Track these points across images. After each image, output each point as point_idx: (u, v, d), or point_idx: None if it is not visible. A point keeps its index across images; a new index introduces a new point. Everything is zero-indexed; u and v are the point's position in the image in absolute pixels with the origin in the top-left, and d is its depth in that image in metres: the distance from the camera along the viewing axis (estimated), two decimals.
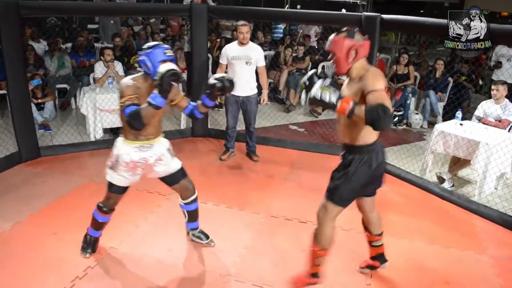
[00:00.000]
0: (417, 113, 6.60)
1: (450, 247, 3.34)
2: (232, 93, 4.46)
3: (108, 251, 3.05)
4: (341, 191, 2.49)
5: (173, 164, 2.90)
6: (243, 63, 4.42)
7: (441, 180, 4.43)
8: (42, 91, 5.72)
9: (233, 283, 2.81)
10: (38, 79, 5.56)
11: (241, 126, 4.85)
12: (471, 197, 4.17)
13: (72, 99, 6.50)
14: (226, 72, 4.45)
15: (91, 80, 6.00)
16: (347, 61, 2.36)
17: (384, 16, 4.42)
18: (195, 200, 3.04)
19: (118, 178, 2.76)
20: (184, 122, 5.86)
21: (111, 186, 2.81)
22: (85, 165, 4.53)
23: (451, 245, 3.37)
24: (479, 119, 4.69)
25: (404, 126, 6.51)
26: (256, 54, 4.49)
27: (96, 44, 7.84)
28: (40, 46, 6.90)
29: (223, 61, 4.53)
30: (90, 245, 3.01)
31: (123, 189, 2.83)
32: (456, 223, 3.73)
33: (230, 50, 4.49)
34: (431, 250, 3.30)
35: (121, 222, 3.40)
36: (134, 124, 2.52)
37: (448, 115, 5.80)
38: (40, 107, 5.67)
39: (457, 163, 4.47)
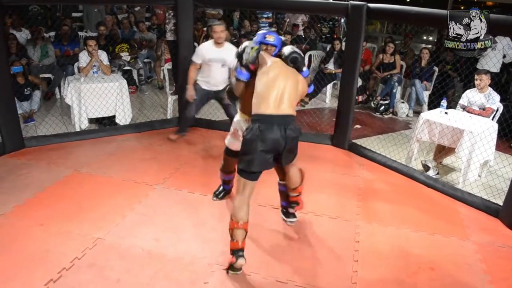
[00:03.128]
0: (403, 102, 6.65)
1: (435, 234, 3.40)
2: (206, 88, 4.55)
3: (95, 241, 3.03)
4: (239, 161, 2.78)
5: None
6: (219, 65, 4.50)
7: (426, 168, 4.49)
8: (26, 80, 5.61)
9: (221, 272, 2.82)
10: (20, 66, 5.45)
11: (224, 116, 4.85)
12: (456, 184, 4.24)
13: (57, 89, 6.41)
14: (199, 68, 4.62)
15: (76, 70, 5.91)
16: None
17: (371, 5, 4.42)
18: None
19: (232, 143, 3.26)
20: (170, 112, 5.82)
21: (227, 150, 3.37)
22: (70, 155, 4.47)
23: (436, 231, 3.43)
24: (464, 108, 4.75)
25: (390, 115, 6.56)
26: (231, 57, 4.30)
27: (80, 33, 7.72)
28: (22, 35, 6.76)
29: (197, 60, 4.49)
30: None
31: (235, 153, 3.15)
32: (440, 210, 3.79)
33: (207, 51, 4.47)
34: (416, 237, 3.35)
35: (108, 212, 3.39)
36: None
37: (433, 104, 5.86)
38: (24, 97, 5.55)
39: (442, 151, 4.53)
